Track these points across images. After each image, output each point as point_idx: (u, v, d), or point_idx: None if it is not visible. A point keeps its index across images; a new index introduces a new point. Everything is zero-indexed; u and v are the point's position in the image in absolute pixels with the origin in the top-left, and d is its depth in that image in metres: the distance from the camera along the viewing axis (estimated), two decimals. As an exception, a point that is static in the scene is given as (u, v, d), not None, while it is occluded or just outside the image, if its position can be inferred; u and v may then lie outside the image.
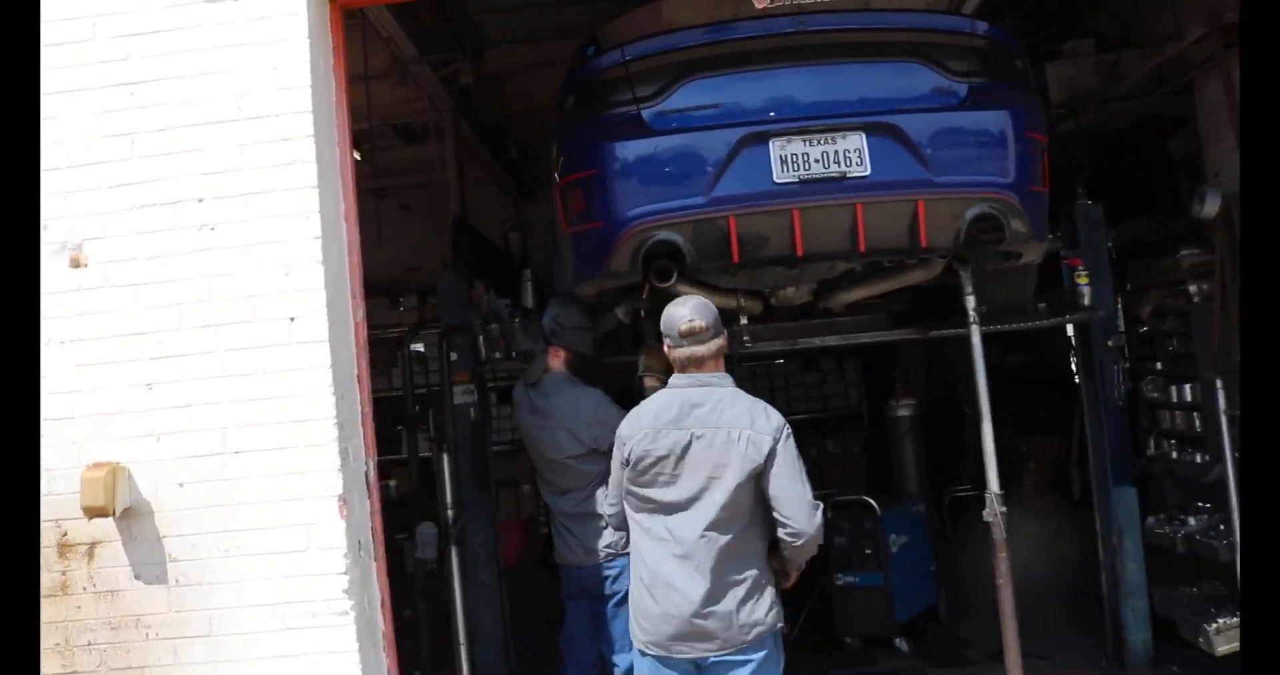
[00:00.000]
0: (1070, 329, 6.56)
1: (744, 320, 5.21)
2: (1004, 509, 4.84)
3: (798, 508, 3.56)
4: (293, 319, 3.73)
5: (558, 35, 6.46)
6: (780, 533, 3.59)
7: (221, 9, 3.76)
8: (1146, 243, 7.07)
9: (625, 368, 5.13)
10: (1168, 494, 6.68)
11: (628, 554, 4.86)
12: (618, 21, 4.67)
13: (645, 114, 4.47)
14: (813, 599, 6.96)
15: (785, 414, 3.74)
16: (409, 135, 9.48)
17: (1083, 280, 5.72)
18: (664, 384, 5.03)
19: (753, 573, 3.60)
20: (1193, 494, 6.41)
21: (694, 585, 3.55)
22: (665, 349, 3.77)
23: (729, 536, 3.56)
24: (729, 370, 3.81)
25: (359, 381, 3.98)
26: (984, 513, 4.87)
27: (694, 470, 3.60)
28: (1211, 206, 5.56)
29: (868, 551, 6.96)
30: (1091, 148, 7.67)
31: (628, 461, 3.71)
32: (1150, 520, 6.41)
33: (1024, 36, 5.01)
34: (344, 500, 3.71)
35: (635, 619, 3.73)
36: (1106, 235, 6.26)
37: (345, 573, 3.68)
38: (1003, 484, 4.90)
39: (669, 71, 4.48)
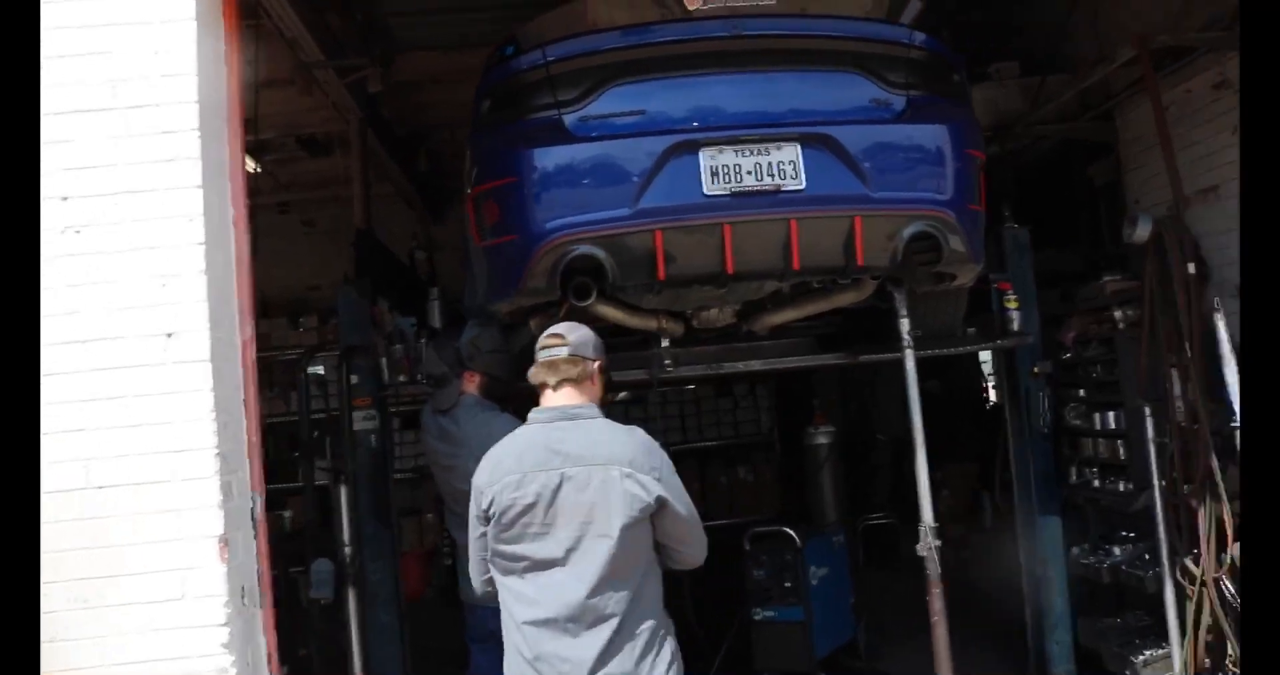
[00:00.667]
0: (989, 355, 6.46)
1: (665, 342, 4.94)
2: (938, 542, 4.63)
3: (697, 545, 3.28)
4: (170, 335, 3.32)
5: (474, 42, 6.17)
6: (669, 562, 3.29)
7: (97, -17, 3.36)
8: (1066, 269, 7.03)
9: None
10: (1091, 523, 6.60)
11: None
12: (539, 20, 4.37)
13: (567, 119, 4.18)
14: (731, 635, 6.70)
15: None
16: (313, 146, 9.10)
17: (1012, 304, 5.60)
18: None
19: (650, 624, 3.16)
20: (1117, 523, 6.32)
21: (584, 649, 3.07)
22: (530, 375, 3.35)
23: (624, 591, 3.10)
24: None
25: (246, 407, 3.58)
26: (917, 546, 4.64)
27: (568, 517, 3.12)
28: (1143, 231, 5.49)
29: (787, 585, 6.72)
30: (1016, 172, 7.63)
31: (489, 516, 3.19)
32: (1075, 550, 6.32)
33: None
34: (225, 541, 3.29)
35: None
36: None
37: (226, 624, 3.26)
38: (913, 511, 4.70)
39: (593, 74, 4.20)
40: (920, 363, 4.80)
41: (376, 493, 5.84)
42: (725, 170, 4.07)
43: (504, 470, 3.20)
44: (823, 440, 7.68)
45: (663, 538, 3.22)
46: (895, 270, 4.47)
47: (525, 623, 3.15)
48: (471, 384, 4.75)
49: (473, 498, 3.27)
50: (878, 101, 4.31)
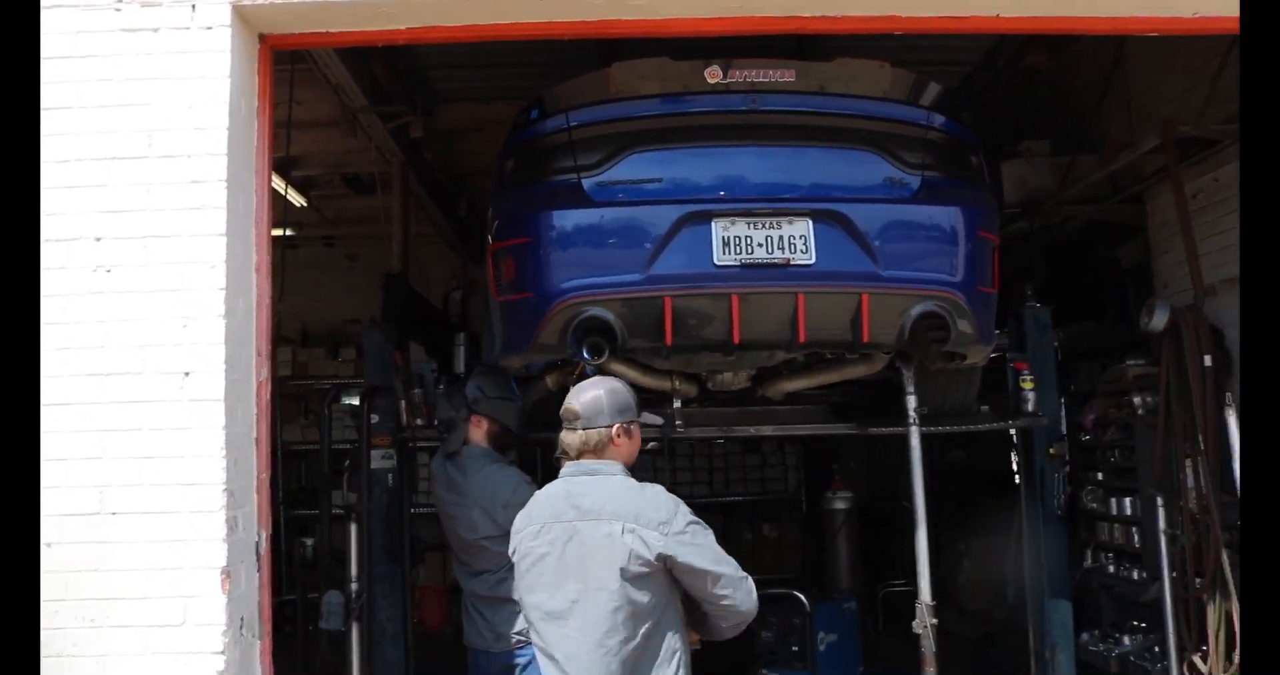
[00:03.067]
0: (1012, 430, 6.42)
1: (677, 403, 5.01)
2: (935, 620, 4.63)
3: (734, 587, 3.25)
4: (187, 374, 3.47)
5: (509, 96, 6.34)
6: (716, 622, 3.33)
7: (141, 39, 3.54)
8: (1093, 348, 7.02)
9: (548, 445, 4.89)
10: (1103, 609, 6.52)
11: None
12: (564, 85, 4.49)
13: (586, 183, 4.29)
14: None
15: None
16: (358, 185, 9.33)
17: (1028, 385, 5.59)
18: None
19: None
20: (1128, 612, 6.24)
21: None
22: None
23: (631, 646, 3.19)
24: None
25: (257, 445, 3.71)
26: (914, 623, 4.65)
27: (573, 570, 3.24)
28: (1160, 320, 5.48)
29: (794, 648, 6.71)
30: (1043, 250, 7.64)
31: (514, 562, 3.39)
32: (1084, 636, 6.23)
33: (981, 134, 4.93)
34: (228, 573, 3.42)
35: None
36: (1054, 337, 6.17)
37: (222, 652, 3.38)
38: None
39: (614, 141, 4.31)
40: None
41: (391, 531, 5.92)
42: (737, 241, 4.16)
43: (529, 519, 3.39)
44: (840, 506, 7.69)
45: (694, 595, 3.29)
46: (903, 347, 4.52)
47: (547, 670, 3.30)
48: (479, 430, 4.80)
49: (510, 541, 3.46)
50: (892, 180, 4.37)
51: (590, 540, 3.23)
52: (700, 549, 3.25)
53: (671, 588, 3.28)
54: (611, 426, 3.41)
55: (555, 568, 3.27)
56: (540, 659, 3.36)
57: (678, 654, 3.27)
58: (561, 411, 3.47)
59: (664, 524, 3.22)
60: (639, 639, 3.21)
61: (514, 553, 3.39)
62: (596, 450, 3.40)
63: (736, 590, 3.26)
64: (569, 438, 3.43)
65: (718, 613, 3.31)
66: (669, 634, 3.28)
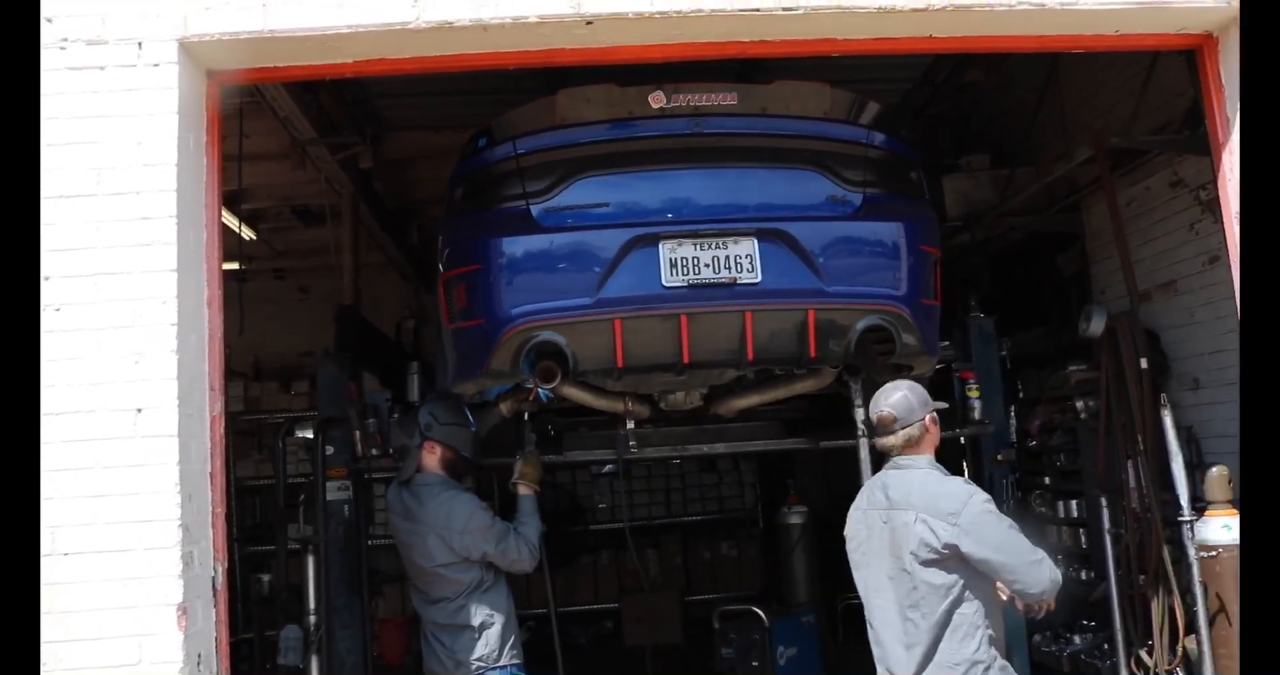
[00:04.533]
0: (961, 439, 6.53)
1: (631, 425, 5.06)
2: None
3: (1025, 579, 3.55)
4: (140, 410, 3.45)
5: (458, 124, 6.38)
6: (1012, 595, 3.65)
7: (88, 77, 3.54)
8: (1039, 355, 7.16)
9: (503, 471, 4.92)
10: (1055, 611, 6.62)
11: (500, 667, 4.65)
12: (511, 113, 4.54)
13: (534, 210, 4.34)
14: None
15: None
16: (308, 217, 9.28)
17: (974, 393, 5.71)
18: (537, 493, 4.90)
19: (964, 656, 3.57)
20: (1079, 611, 6.36)
21: (904, 667, 3.62)
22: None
23: (932, 619, 3.57)
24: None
25: (211, 479, 3.70)
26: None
27: (886, 552, 3.70)
28: (1097, 325, 5.62)
29: (755, 663, 6.76)
30: (987, 261, 7.80)
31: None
32: (1037, 637, 6.35)
33: (923, 148, 5.04)
34: (184, 609, 3.40)
35: None
36: (1001, 345, 6.30)
37: (180, 690, 3.35)
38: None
39: (561, 167, 4.37)
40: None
41: (348, 562, 5.89)
42: (684, 262, 4.22)
43: (857, 506, 3.94)
44: (795, 520, 7.77)
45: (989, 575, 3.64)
46: (850, 361, 4.60)
47: (871, 635, 3.82)
48: (432, 456, 4.80)
49: None
50: (834, 198, 4.46)
51: (898, 527, 3.68)
52: (984, 539, 3.56)
53: (974, 569, 3.62)
54: (924, 418, 3.82)
55: (874, 549, 3.77)
56: (869, 627, 3.82)
57: (980, 629, 3.61)
58: (873, 420, 3.87)
59: (953, 514, 3.58)
60: (939, 614, 3.58)
61: (846, 534, 3.93)
62: (914, 444, 3.82)
63: (1021, 577, 3.56)
64: (889, 440, 3.83)
65: (1012, 592, 3.64)
66: (972, 610, 3.62)
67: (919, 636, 3.60)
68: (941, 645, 3.58)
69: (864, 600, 3.83)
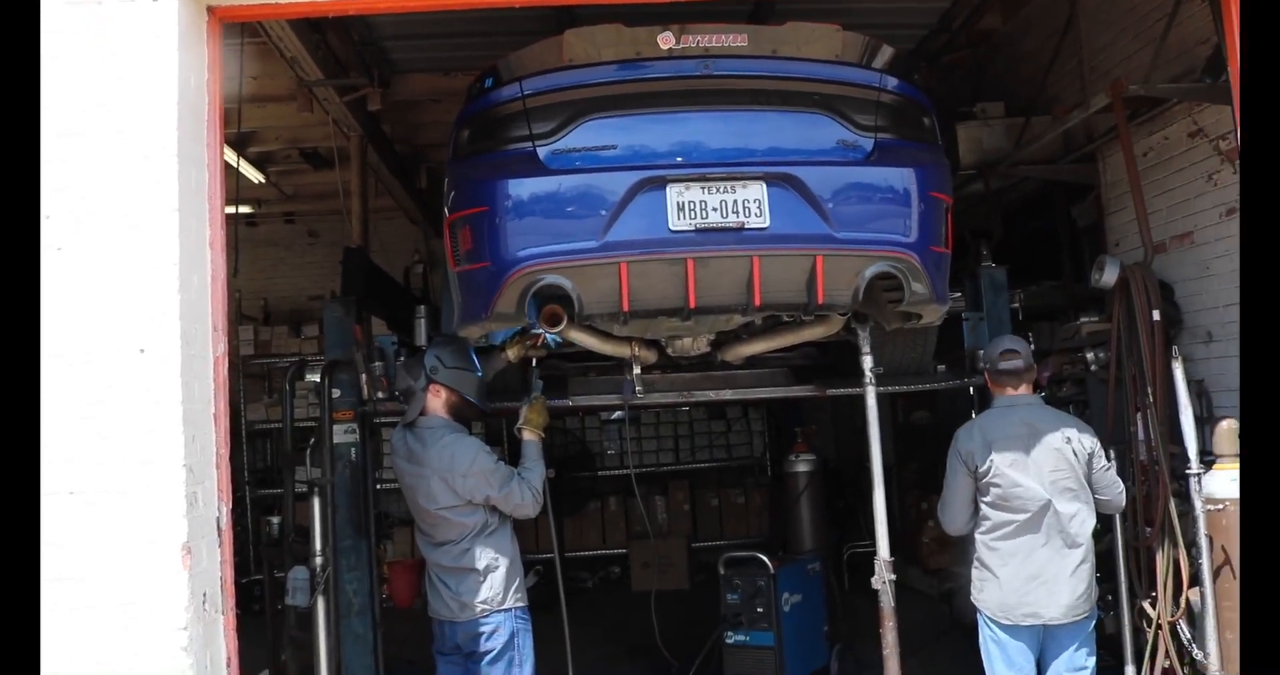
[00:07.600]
0: (972, 389, 6.51)
1: (637, 370, 5.04)
2: (893, 576, 4.72)
3: (1117, 495, 4.84)
4: (143, 351, 3.43)
5: (467, 66, 6.30)
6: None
7: (86, 12, 3.48)
8: (1051, 307, 7.09)
9: (512, 417, 4.92)
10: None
11: (504, 610, 4.69)
12: (517, 54, 4.46)
13: (541, 152, 4.29)
14: (702, 657, 6.77)
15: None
16: (316, 160, 9.26)
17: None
18: (542, 439, 4.90)
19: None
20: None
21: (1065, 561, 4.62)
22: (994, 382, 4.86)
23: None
24: None
25: (215, 420, 3.69)
26: (872, 579, 4.74)
27: (1031, 471, 4.61)
28: (1110, 276, 5.55)
29: (759, 609, 6.79)
30: (1001, 211, 7.71)
31: (975, 471, 4.70)
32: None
33: (938, 95, 4.96)
34: (188, 549, 3.41)
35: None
36: (1013, 297, 6.24)
37: (185, 628, 3.37)
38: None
39: (568, 109, 4.31)
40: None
41: (354, 505, 5.93)
42: (691, 206, 4.17)
43: (989, 438, 4.65)
44: (802, 468, 7.74)
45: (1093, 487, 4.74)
46: (859, 308, 4.56)
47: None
48: (437, 399, 4.81)
49: (964, 458, 4.68)
50: (845, 143, 4.39)
51: (1050, 446, 4.62)
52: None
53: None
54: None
55: (1025, 467, 4.60)
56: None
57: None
58: (1007, 367, 4.76)
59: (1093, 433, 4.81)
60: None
61: (973, 462, 4.66)
62: (1030, 382, 4.83)
63: (1106, 490, 4.78)
64: (1013, 375, 4.77)
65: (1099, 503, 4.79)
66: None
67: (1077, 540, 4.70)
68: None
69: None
